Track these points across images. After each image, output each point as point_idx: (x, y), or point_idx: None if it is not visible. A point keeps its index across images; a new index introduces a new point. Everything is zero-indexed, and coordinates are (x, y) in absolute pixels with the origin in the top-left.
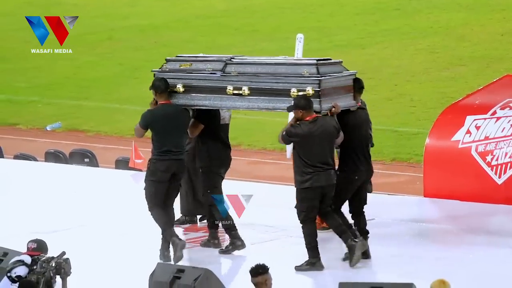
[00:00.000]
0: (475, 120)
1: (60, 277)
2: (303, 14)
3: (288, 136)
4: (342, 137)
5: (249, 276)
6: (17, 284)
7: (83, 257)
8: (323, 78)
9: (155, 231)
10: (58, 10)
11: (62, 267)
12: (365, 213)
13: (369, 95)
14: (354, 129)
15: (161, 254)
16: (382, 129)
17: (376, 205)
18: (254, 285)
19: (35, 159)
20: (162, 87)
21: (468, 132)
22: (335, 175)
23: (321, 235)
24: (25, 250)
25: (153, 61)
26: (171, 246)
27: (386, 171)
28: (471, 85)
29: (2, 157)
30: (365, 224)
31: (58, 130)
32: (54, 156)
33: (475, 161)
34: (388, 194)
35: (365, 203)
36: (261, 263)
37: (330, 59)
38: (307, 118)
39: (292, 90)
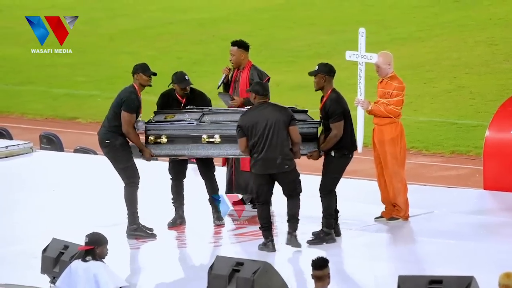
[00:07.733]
0: None
1: None
2: (362, 7)
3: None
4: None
5: (308, 269)
6: None
7: (142, 250)
8: None
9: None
10: (116, 4)
11: None
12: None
13: (428, 87)
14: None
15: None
16: (441, 121)
17: (436, 198)
18: (316, 278)
19: (94, 153)
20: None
21: None
22: (283, 163)
23: (391, 224)
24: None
25: (211, 55)
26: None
27: (445, 164)
28: None
29: (63, 150)
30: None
31: None
32: None
33: None
34: (448, 187)
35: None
36: (322, 256)
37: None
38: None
39: None
